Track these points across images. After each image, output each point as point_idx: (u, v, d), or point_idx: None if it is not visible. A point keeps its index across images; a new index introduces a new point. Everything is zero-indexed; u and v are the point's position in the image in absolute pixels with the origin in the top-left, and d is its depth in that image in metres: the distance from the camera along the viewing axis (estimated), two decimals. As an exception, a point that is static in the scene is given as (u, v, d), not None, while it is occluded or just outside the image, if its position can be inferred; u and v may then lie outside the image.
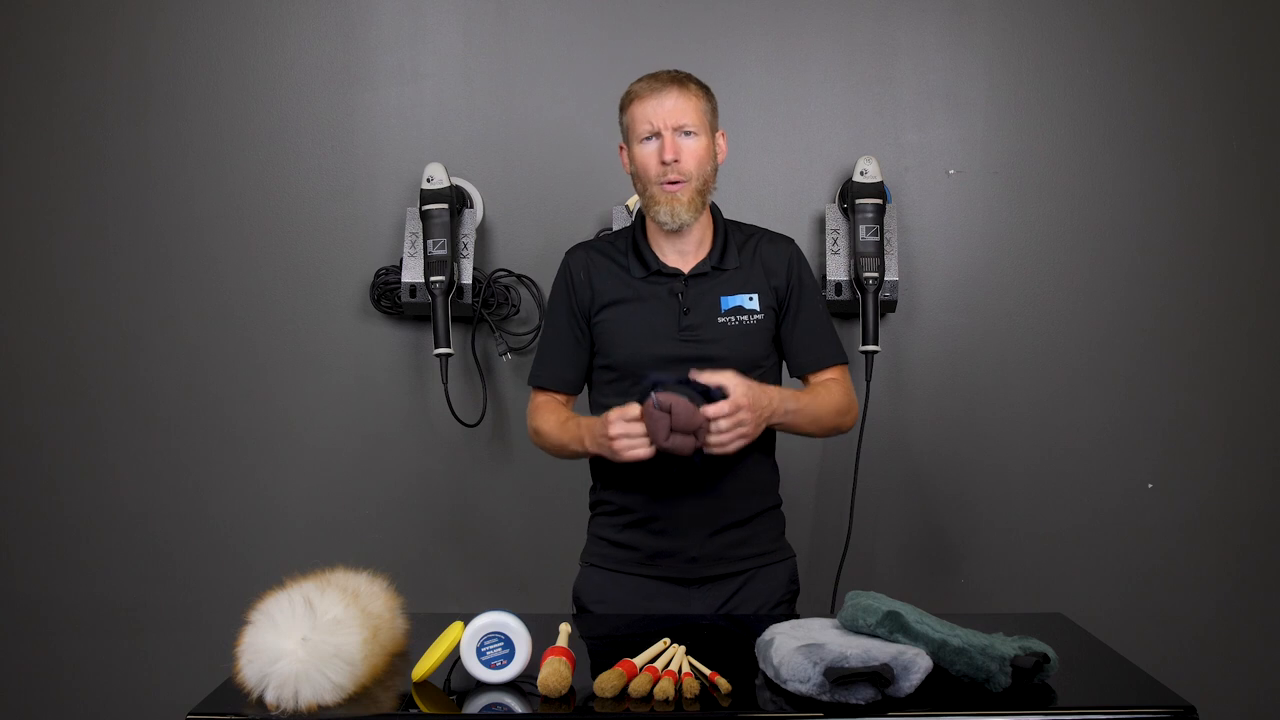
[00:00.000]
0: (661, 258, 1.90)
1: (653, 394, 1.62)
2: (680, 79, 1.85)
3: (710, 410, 1.64)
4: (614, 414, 1.69)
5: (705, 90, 1.87)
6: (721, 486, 1.86)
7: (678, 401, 1.62)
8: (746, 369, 1.77)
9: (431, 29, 2.61)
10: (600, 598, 1.91)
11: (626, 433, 1.68)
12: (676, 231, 1.87)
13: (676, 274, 1.88)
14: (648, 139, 1.83)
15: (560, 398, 1.96)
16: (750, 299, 1.88)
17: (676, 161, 1.81)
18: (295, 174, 2.61)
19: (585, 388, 1.99)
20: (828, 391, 1.90)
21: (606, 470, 1.92)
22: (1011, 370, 2.61)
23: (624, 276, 1.90)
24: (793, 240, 1.97)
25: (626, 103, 1.87)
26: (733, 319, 1.86)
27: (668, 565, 1.88)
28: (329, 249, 2.62)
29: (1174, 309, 2.60)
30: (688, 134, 1.82)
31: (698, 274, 1.88)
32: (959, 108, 2.60)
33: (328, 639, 1.33)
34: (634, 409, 1.67)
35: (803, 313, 1.92)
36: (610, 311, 1.89)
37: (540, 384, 1.97)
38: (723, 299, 1.87)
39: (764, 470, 1.94)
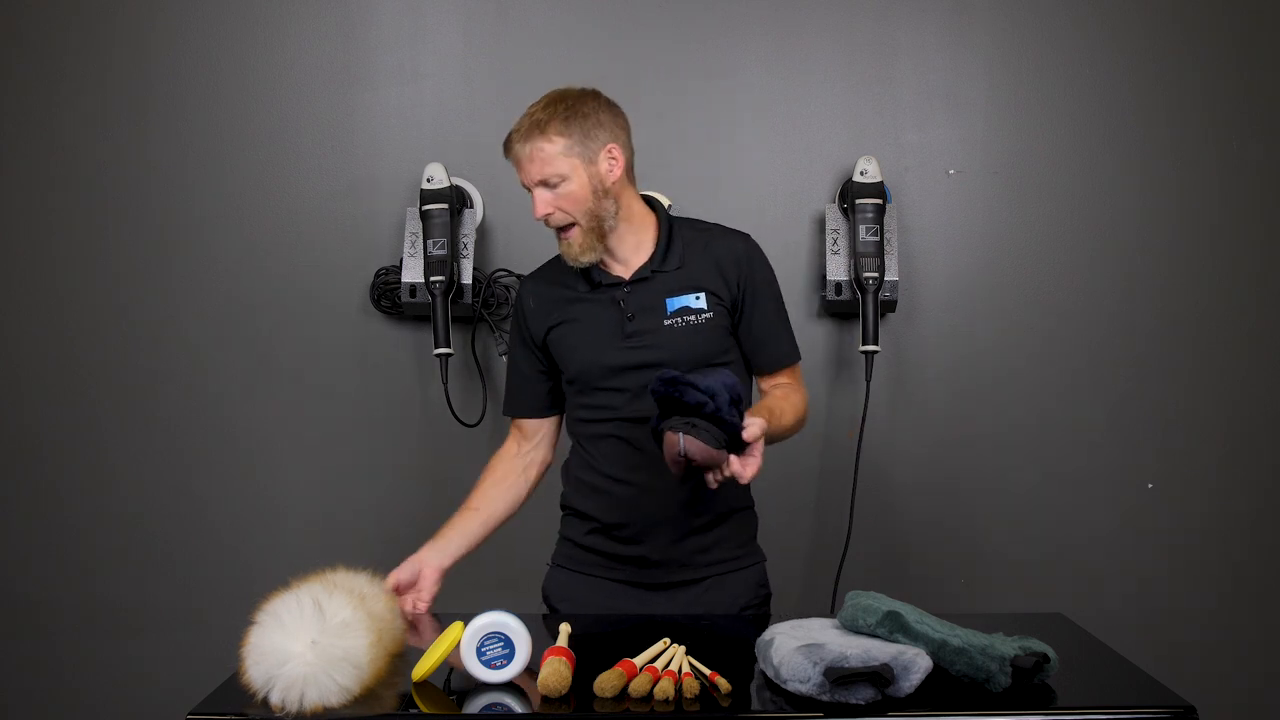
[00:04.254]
0: (605, 269, 1.88)
1: (680, 438, 1.56)
2: (531, 129, 1.77)
3: (734, 465, 1.59)
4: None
5: (564, 125, 1.77)
6: (686, 491, 1.84)
7: (702, 452, 1.56)
8: (700, 367, 1.72)
9: (431, 29, 2.61)
10: (565, 596, 1.93)
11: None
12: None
13: (618, 282, 1.87)
14: (528, 192, 1.83)
15: (526, 425, 2.00)
16: (697, 298, 1.84)
17: (551, 214, 1.80)
18: (295, 174, 2.61)
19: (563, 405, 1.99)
20: (790, 405, 1.84)
21: (572, 476, 1.96)
22: (1011, 370, 2.61)
23: (571, 295, 1.90)
24: (748, 236, 1.92)
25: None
26: (679, 320, 1.83)
27: (629, 570, 1.88)
28: (329, 249, 2.62)
29: (1174, 309, 2.60)
30: (553, 185, 1.79)
31: (639, 279, 1.86)
32: (959, 108, 2.60)
33: (337, 642, 1.32)
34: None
35: (756, 312, 1.88)
36: (559, 331, 1.90)
37: (508, 412, 2.03)
38: (668, 301, 1.84)
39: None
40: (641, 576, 1.88)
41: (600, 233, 1.82)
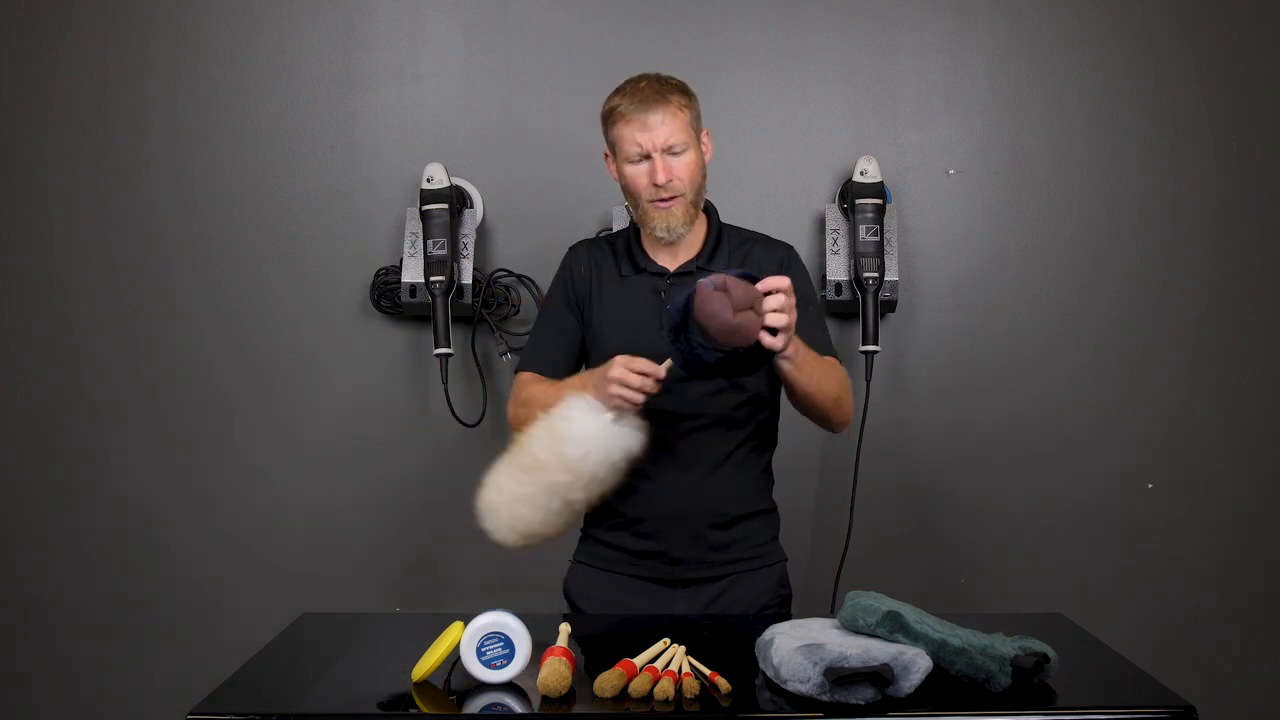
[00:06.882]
0: (652, 258, 1.91)
1: (709, 281, 1.54)
2: (663, 93, 1.80)
3: (764, 284, 1.56)
4: (620, 359, 1.67)
5: (688, 96, 1.83)
6: (707, 489, 1.86)
7: (731, 280, 1.54)
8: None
9: (431, 29, 2.61)
10: (587, 594, 1.93)
11: (623, 379, 1.65)
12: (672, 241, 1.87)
13: (662, 273, 1.89)
14: (638, 161, 1.81)
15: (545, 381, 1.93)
16: None
17: (670, 182, 1.80)
18: (295, 174, 2.61)
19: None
20: (822, 363, 1.81)
21: None
22: (1011, 370, 2.61)
23: (615, 275, 1.92)
24: (791, 246, 1.96)
25: (611, 119, 1.83)
26: None
27: (651, 567, 1.89)
28: (329, 249, 2.62)
29: (1173, 309, 2.60)
30: (677, 153, 1.80)
31: (683, 273, 1.89)
32: (959, 108, 2.60)
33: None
34: (640, 362, 1.65)
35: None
36: (598, 309, 1.91)
37: (528, 367, 1.95)
38: None
39: (753, 474, 1.92)
40: (662, 573, 1.88)
41: (696, 210, 1.87)
